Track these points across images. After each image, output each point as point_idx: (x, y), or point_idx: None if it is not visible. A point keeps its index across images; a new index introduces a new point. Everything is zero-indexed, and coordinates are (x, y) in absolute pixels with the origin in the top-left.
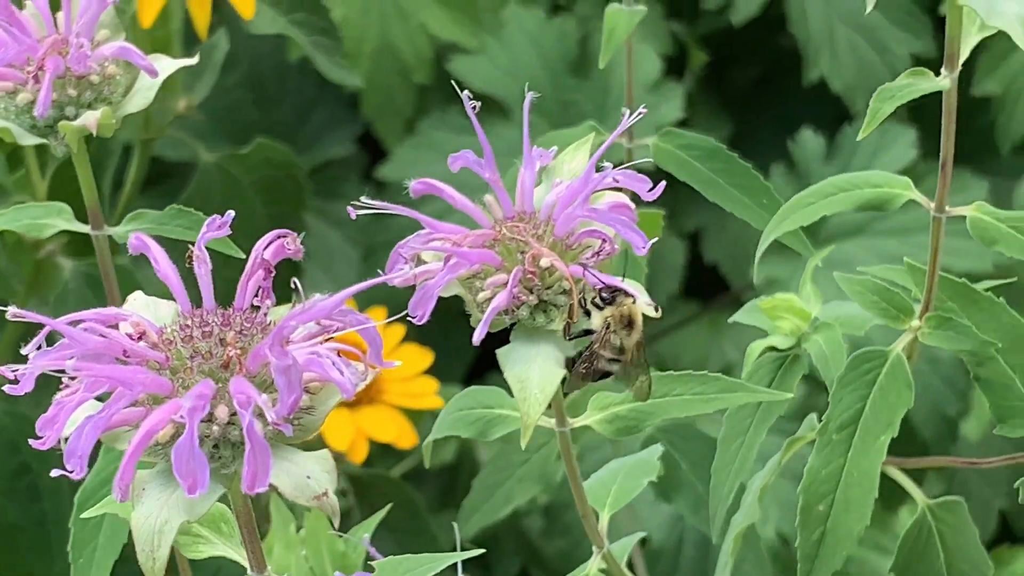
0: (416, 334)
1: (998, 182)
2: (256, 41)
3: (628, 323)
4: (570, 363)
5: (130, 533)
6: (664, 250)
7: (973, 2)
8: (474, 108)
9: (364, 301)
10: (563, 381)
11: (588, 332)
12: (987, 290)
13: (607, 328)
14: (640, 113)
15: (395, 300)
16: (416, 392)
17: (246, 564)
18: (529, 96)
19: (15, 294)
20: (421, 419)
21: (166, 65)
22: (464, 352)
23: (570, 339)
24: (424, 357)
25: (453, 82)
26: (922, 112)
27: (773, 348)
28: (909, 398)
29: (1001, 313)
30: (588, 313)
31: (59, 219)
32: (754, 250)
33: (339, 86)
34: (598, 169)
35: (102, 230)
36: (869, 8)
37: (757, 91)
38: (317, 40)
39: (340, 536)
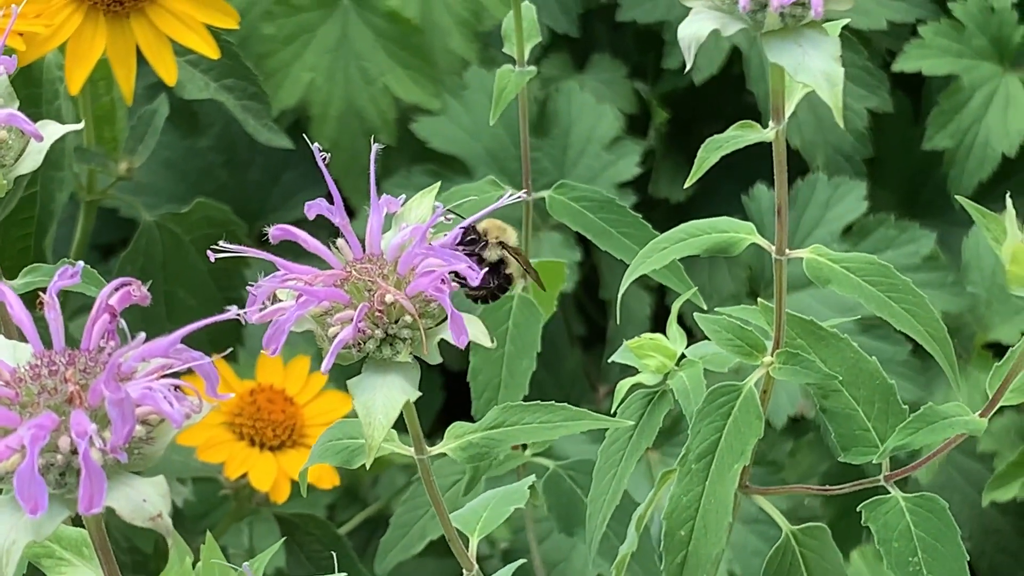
0: None
1: (953, 231)
2: (226, 106)
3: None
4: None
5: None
6: (631, 301)
7: (783, 60)
8: (324, 159)
9: (288, 352)
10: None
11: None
12: (833, 327)
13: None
14: (520, 196)
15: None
16: None
17: None
18: (375, 147)
19: None
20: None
21: (53, 131)
22: (432, 401)
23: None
24: (345, 403)
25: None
26: (878, 168)
27: (641, 385)
28: (759, 428)
29: (845, 348)
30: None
31: None
32: (718, 296)
33: (308, 148)
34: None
35: (1, 281)
36: (689, 64)
37: None
38: (247, 104)
39: (235, 569)
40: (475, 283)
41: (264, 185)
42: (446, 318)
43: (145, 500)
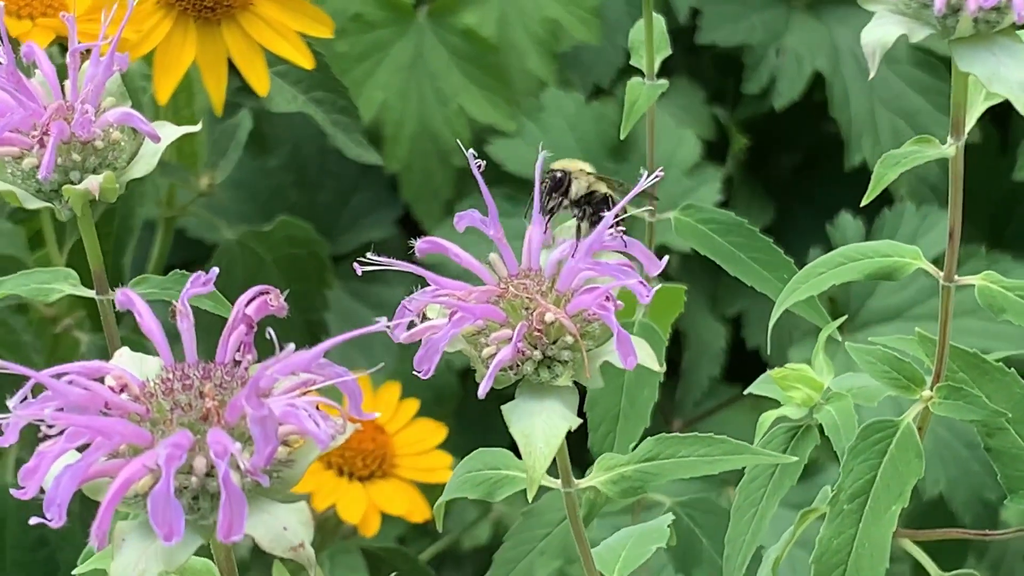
0: (455, 423)
1: None
2: (298, 124)
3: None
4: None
5: None
6: (706, 334)
7: (975, 69)
8: (479, 167)
9: (380, 378)
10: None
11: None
12: (999, 361)
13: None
14: (657, 176)
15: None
16: (429, 466)
17: None
18: (542, 155)
19: (35, 366)
20: (436, 494)
21: (169, 132)
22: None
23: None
24: (438, 432)
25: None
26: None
27: (785, 418)
28: (919, 468)
29: (1012, 384)
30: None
31: (65, 284)
32: (796, 332)
33: (380, 169)
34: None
35: (107, 295)
36: (872, 72)
37: (798, 175)
38: (336, 118)
39: None
40: (645, 300)
41: (334, 207)
42: (608, 339)
43: (286, 528)
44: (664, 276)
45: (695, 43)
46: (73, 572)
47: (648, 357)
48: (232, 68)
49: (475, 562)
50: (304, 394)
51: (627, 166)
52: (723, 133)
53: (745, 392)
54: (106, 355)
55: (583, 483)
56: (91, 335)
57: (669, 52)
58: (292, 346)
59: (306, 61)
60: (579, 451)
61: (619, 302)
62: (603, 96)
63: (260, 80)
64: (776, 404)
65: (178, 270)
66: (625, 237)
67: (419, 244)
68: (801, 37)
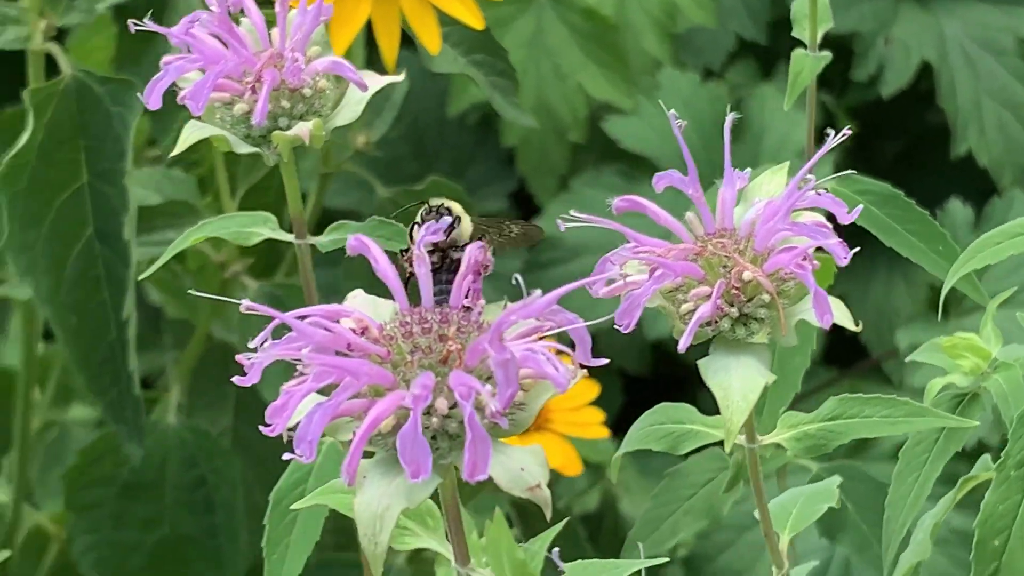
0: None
1: None
2: (417, 96)
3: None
4: None
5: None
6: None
7: None
8: (680, 126)
9: None
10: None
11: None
12: None
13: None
14: (844, 134)
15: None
16: (582, 421)
17: (450, 557)
18: (731, 117)
19: (199, 315)
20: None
21: (376, 81)
22: (612, 403)
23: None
24: (591, 389)
25: None
26: None
27: (952, 386)
28: None
29: None
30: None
31: (264, 228)
32: (896, 318)
33: (496, 142)
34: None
35: (305, 239)
36: None
37: (902, 164)
38: (495, 81)
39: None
40: (843, 261)
41: (450, 178)
42: (801, 298)
43: (523, 469)
44: None
45: None
46: (293, 506)
47: (844, 316)
48: None
49: (585, 528)
50: (540, 339)
51: (740, 147)
52: (830, 119)
53: (908, 360)
54: (274, 302)
55: (767, 439)
56: (259, 282)
57: (831, 24)
58: (539, 292)
59: (476, 21)
60: None
61: (816, 262)
62: (714, 79)
63: (432, 38)
64: (880, 386)
65: (375, 216)
66: (821, 192)
67: (616, 202)
68: (909, 27)
